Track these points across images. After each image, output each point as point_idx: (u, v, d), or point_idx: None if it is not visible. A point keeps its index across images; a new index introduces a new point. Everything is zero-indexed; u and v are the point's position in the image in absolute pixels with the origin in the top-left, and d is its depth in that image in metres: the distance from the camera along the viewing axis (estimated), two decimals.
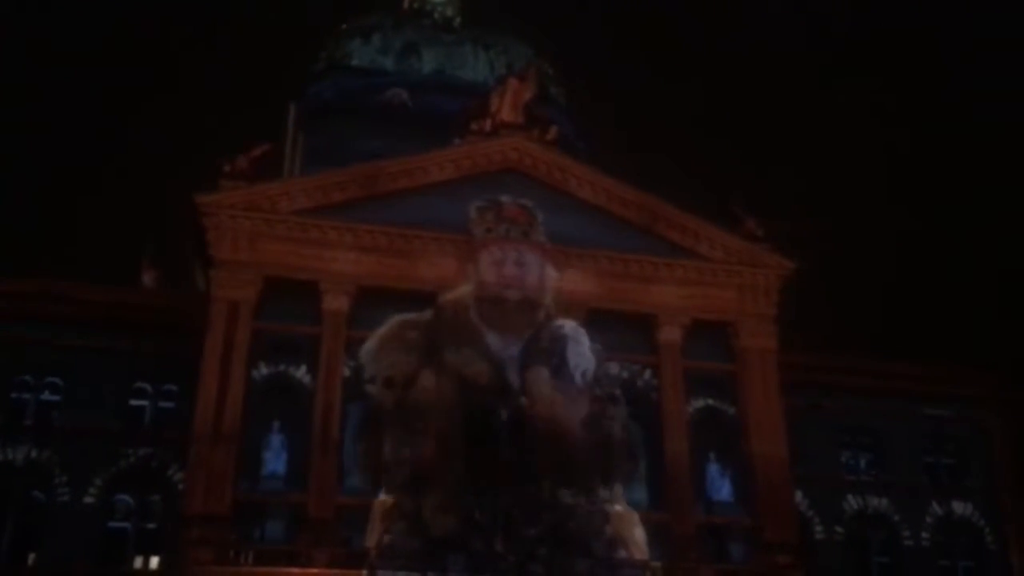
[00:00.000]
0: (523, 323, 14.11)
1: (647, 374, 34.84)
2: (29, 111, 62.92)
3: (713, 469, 34.41)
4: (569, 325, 14.85)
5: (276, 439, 31.25)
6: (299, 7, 68.46)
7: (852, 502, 38.76)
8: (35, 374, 34.18)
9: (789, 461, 34.64)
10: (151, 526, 33.12)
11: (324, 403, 31.59)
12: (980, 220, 63.84)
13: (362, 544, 14.78)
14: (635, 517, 13.74)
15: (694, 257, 36.52)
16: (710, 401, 35.61)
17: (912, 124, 69.57)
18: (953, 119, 67.69)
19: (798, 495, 36.51)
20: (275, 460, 31.01)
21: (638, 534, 13.85)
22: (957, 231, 64.20)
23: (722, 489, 34.22)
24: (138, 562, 32.91)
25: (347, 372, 31.15)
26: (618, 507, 13.82)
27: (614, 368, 14.57)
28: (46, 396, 34.27)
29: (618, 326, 30.96)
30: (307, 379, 32.47)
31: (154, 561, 32.68)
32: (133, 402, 34.59)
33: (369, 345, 14.06)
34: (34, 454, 32.76)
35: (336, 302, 32.81)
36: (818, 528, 37.78)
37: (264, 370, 32.36)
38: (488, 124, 36.65)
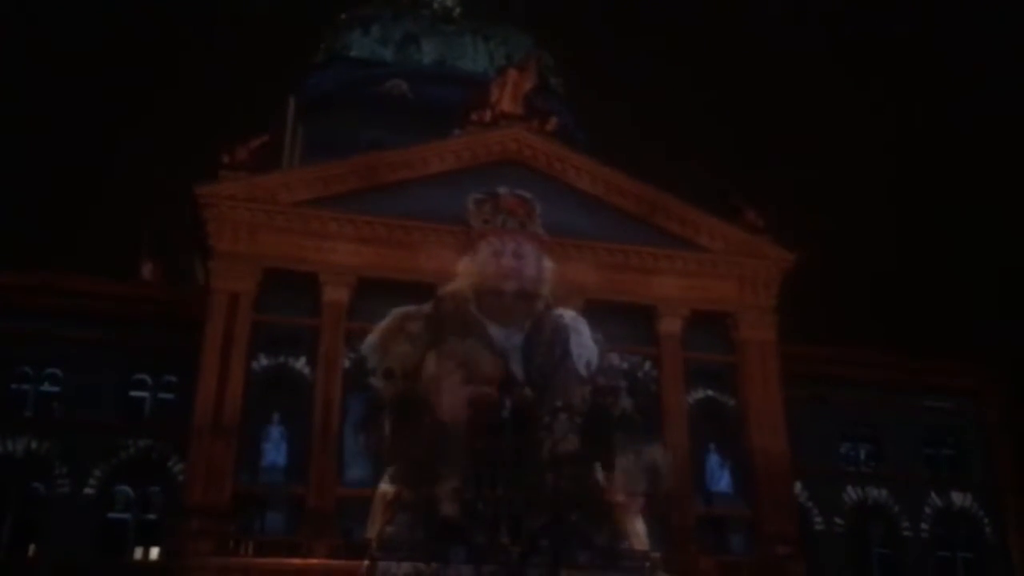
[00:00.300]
0: (522, 314, 14.08)
1: (647, 365, 34.82)
2: (28, 104, 62.78)
3: (713, 460, 34.45)
4: (569, 315, 14.84)
5: (276, 431, 31.26)
6: None
7: (852, 493, 38.81)
8: (35, 366, 34.19)
9: (789, 453, 34.65)
10: (151, 517, 33.20)
11: (324, 395, 31.58)
12: (982, 213, 63.78)
13: (362, 535, 14.76)
14: (636, 508, 13.71)
15: (694, 248, 36.48)
16: (710, 392, 35.63)
17: (913, 115, 69.50)
18: (954, 110, 67.62)
19: (798, 486, 36.56)
20: (275, 452, 31.04)
21: (639, 525, 13.84)
22: (959, 224, 64.18)
23: (722, 480, 34.28)
24: (138, 553, 32.99)
25: (347, 364, 31.13)
26: (619, 498, 13.79)
27: (616, 359, 14.52)
28: (46, 388, 34.30)
29: (618, 317, 30.90)
30: (307, 371, 32.46)
31: (154, 552, 32.77)
32: (133, 394, 34.62)
33: (371, 338, 14.03)
34: (34, 446, 32.78)
35: (336, 293, 32.78)
36: (817, 519, 37.83)
37: (264, 362, 32.35)
38: (488, 115, 36.57)
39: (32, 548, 32.23)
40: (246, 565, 28.67)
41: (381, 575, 12.49)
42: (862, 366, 40.04)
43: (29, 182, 60.78)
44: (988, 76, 67.27)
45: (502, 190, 15.27)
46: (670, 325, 35.30)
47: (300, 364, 32.55)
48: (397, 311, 14.27)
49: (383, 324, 13.96)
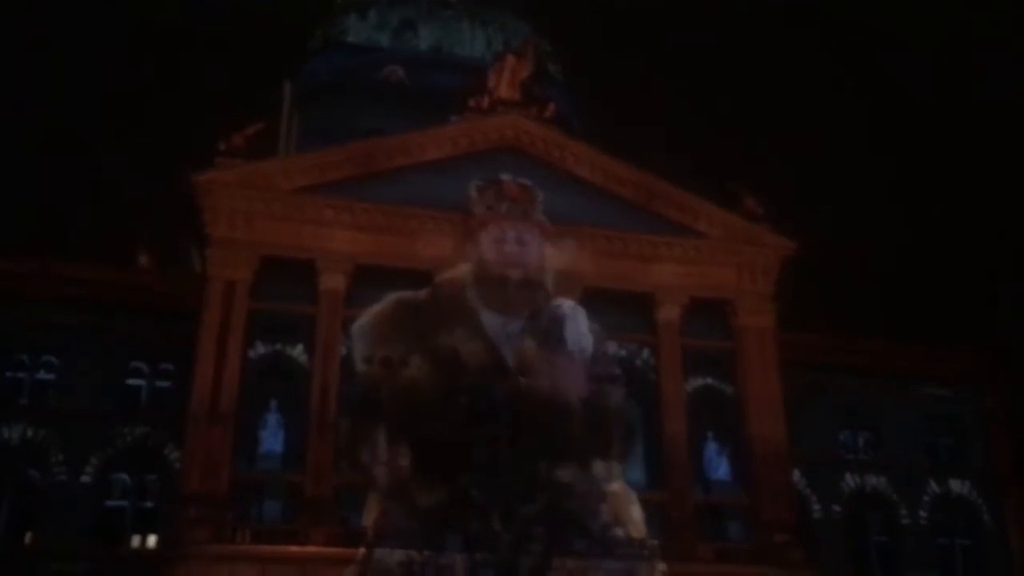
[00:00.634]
0: (524, 302, 13.96)
1: (645, 353, 34.75)
2: (23, 92, 62.55)
3: (711, 448, 34.38)
4: (567, 304, 14.69)
5: (273, 418, 31.19)
6: None
7: (850, 481, 38.81)
8: (31, 354, 34.13)
9: (787, 440, 34.60)
10: (148, 505, 33.19)
11: (321, 382, 31.49)
12: (982, 201, 63.70)
13: (359, 523, 14.68)
14: (633, 496, 13.59)
15: (693, 235, 36.34)
16: (708, 380, 35.53)
17: (914, 103, 69.29)
18: (956, 99, 67.42)
19: (796, 474, 36.54)
20: (272, 439, 30.97)
21: (636, 513, 13.70)
22: (958, 212, 64.08)
23: (720, 468, 34.22)
24: (135, 541, 32.99)
25: (344, 351, 31.03)
26: (615, 486, 13.67)
27: (613, 347, 14.41)
28: (42, 376, 34.25)
29: (616, 305, 30.79)
30: (304, 358, 32.36)
31: (151, 540, 32.76)
32: (129, 382, 34.56)
33: (362, 322, 13.85)
34: (30, 434, 32.72)
35: (333, 281, 32.65)
36: (816, 507, 37.83)
37: (261, 349, 32.25)
38: (485, 101, 36.37)
39: (28, 536, 32.18)
40: (243, 553, 28.61)
41: (376, 563, 12.39)
42: (861, 354, 39.98)
43: (24, 169, 60.60)
44: (989, 68, 67.05)
45: (505, 177, 15.12)
46: (668, 312, 35.19)
47: (297, 352, 32.45)
48: (392, 296, 14.14)
49: (375, 308, 13.80)
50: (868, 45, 71.91)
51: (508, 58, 37.64)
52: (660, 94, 68.98)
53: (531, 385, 12.87)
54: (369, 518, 13.11)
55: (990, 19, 64.72)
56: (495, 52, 44.08)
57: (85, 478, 32.37)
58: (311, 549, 28.65)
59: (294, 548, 28.84)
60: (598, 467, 13.30)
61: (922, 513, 39.07)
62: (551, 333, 13.57)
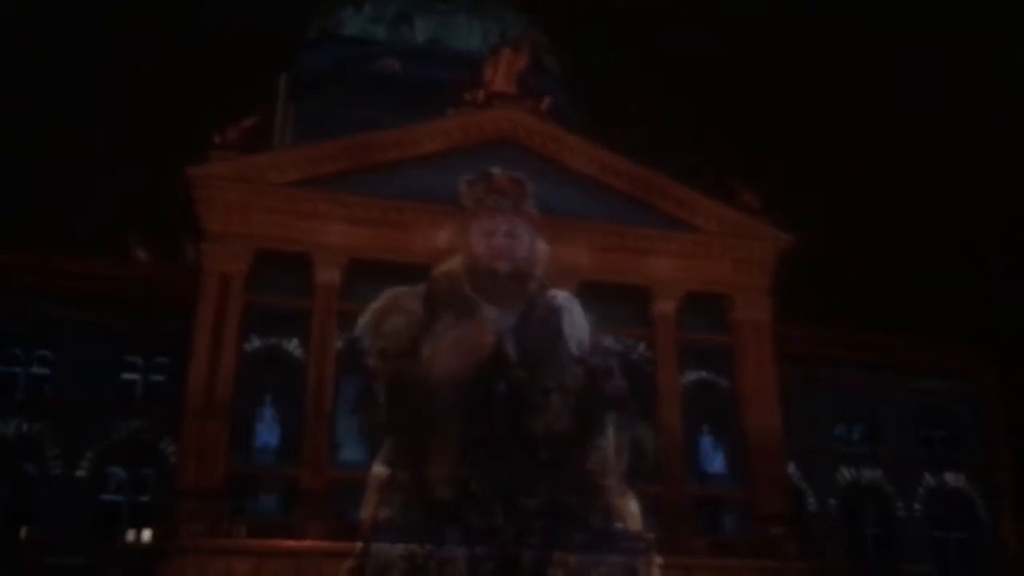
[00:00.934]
0: (515, 294, 13.91)
1: (641, 347, 34.76)
2: (18, 84, 62.29)
3: (707, 441, 34.46)
4: (563, 295, 14.63)
5: (269, 412, 31.17)
6: None
7: (845, 474, 38.93)
8: (26, 347, 34.07)
9: (783, 433, 34.67)
10: (144, 499, 33.13)
11: (317, 376, 31.46)
12: (979, 195, 63.78)
13: (356, 517, 14.67)
14: (630, 489, 13.61)
15: (689, 229, 36.34)
16: (704, 373, 35.59)
17: (912, 98, 69.32)
18: (953, 93, 67.45)
19: (791, 467, 36.61)
20: (268, 433, 30.96)
21: (633, 506, 13.66)
22: (954, 205, 64.14)
23: (716, 461, 34.30)
24: (131, 535, 32.83)
25: (340, 344, 30.99)
26: (613, 480, 13.67)
27: (609, 340, 14.37)
28: (37, 369, 34.18)
29: (612, 298, 30.76)
30: (299, 352, 32.33)
31: (147, 534, 32.61)
32: (125, 375, 34.50)
33: (365, 318, 13.83)
34: (25, 427, 32.68)
35: (328, 274, 32.61)
36: (811, 500, 37.94)
37: (256, 343, 32.22)
38: (481, 95, 36.28)
39: (24, 530, 32.10)
40: (239, 546, 28.58)
41: (374, 557, 12.33)
42: (856, 347, 40.06)
43: (19, 163, 60.37)
44: (987, 63, 67.09)
45: (495, 170, 15.05)
46: (665, 306, 35.21)
47: (292, 345, 32.42)
48: (391, 291, 14.10)
49: (376, 304, 13.78)
50: (865, 39, 71.89)
51: (504, 51, 37.54)
52: (657, 88, 68.94)
53: (531, 377, 12.88)
54: (367, 511, 13.09)
55: (985, 16, 64.76)
56: (491, 45, 43.88)
57: (81, 472, 32.34)
58: (307, 543, 28.65)
59: (290, 542, 28.84)
60: (596, 460, 13.33)
61: (917, 505, 39.21)
62: (548, 325, 13.57)
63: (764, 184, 38.00)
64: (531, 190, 15.20)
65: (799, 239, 36.94)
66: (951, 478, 39.96)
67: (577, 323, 14.08)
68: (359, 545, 13.04)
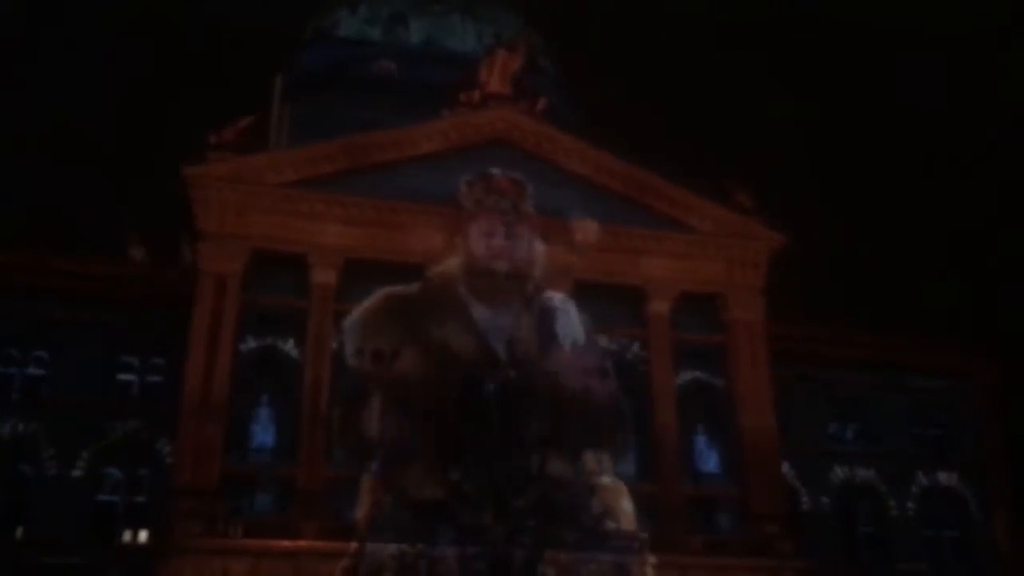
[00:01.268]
0: (512, 295, 14.04)
1: (636, 346, 34.90)
2: (14, 86, 62.32)
3: (701, 441, 34.60)
4: (558, 297, 14.78)
5: (264, 412, 31.27)
6: None
7: (839, 473, 39.08)
8: (22, 347, 34.11)
9: (777, 432, 34.82)
10: (140, 499, 33.17)
11: (312, 376, 31.56)
12: (974, 195, 63.99)
13: (351, 516, 14.76)
14: (623, 489, 13.72)
15: (684, 229, 36.47)
16: (698, 373, 35.73)
17: (905, 97, 69.52)
18: (948, 93, 67.65)
19: (785, 466, 36.75)
20: (264, 433, 31.05)
21: (626, 505, 13.82)
22: (948, 205, 64.35)
23: (710, 460, 34.44)
24: (127, 535, 32.95)
25: (335, 345, 31.06)
26: (606, 479, 13.79)
27: (604, 340, 14.52)
28: (33, 370, 34.22)
29: (607, 298, 30.94)
30: (295, 352, 32.42)
31: (143, 534, 32.72)
32: (120, 376, 34.54)
33: (353, 317, 13.94)
34: (21, 428, 32.74)
35: (324, 275, 32.71)
36: (805, 499, 38.09)
37: (252, 343, 32.30)
38: (477, 95, 36.41)
39: (20, 531, 32.17)
40: (235, 546, 28.64)
41: (368, 557, 12.48)
42: (850, 346, 40.23)
43: (16, 163, 60.38)
44: (985, 65, 67.31)
45: (494, 171, 15.19)
46: (659, 306, 35.35)
47: (288, 345, 32.50)
48: (382, 291, 14.21)
49: (366, 304, 13.89)
50: (861, 39, 72.09)
51: (499, 52, 37.67)
52: (652, 88, 69.11)
53: (522, 378, 12.98)
54: (361, 511, 13.19)
55: (984, 18, 64.99)
56: (486, 46, 44.06)
57: (77, 472, 32.39)
58: (303, 542, 28.73)
59: (286, 542, 28.91)
60: (589, 460, 13.43)
61: (910, 504, 39.36)
62: (543, 326, 13.68)
63: (758, 184, 38.16)
64: (530, 191, 15.34)
65: (793, 238, 37.09)
66: (944, 477, 40.14)
67: (572, 324, 14.24)
68: (354, 545, 13.15)
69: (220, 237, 32.45)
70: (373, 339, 13.25)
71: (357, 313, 13.84)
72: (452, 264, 14.26)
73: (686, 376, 35.50)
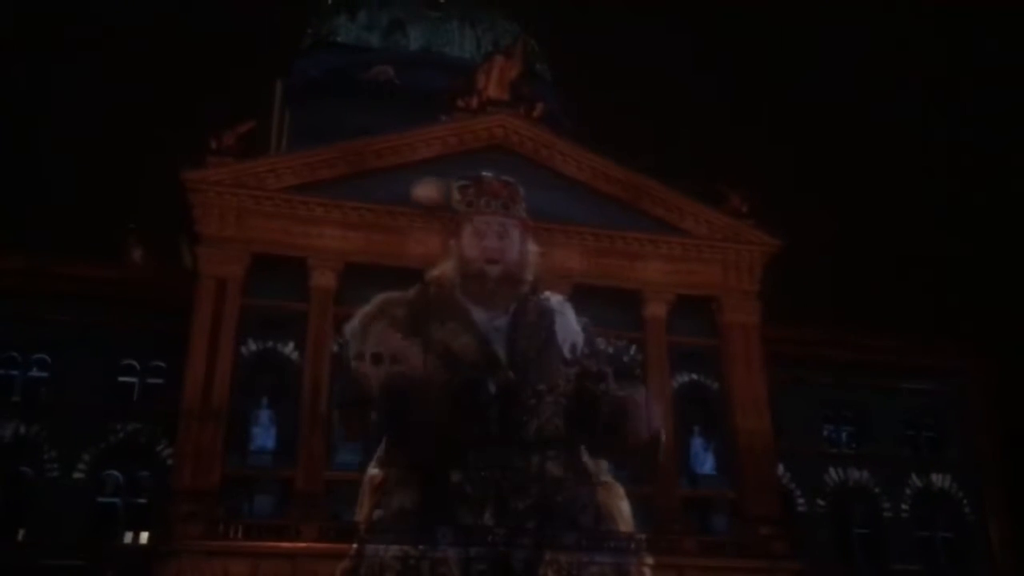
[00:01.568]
0: (506, 297, 14.27)
1: (632, 349, 35.10)
2: (17, 87, 62.49)
3: (697, 443, 34.87)
4: (555, 299, 15.03)
5: (265, 414, 31.48)
6: None
7: (833, 475, 39.37)
8: (23, 351, 34.31)
9: (772, 435, 35.11)
10: (140, 501, 33.37)
11: (312, 379, 31.78)
12: (966, 196, 64.29)
13: (351, 518, 14.98)
14: (621, 490, 14.00)
15: (679, 233, 36.77)
16: (694, 376, 36.03)
17: (899, 100, 69.86)
18: (943, 96, 67.98)
19: (780, 468, 37.04)
20: (264, 435, 31.26)
21: (624, 507, 14.08)
22: (940, 207, 64.65)
23: (706, 463, 34.71)
24: (128, 537, 33.16)
25: (335, 348, 31.30)
26: (604, 480, 14.07)
27: (602, 343, 14.78)
28: (34, 373, 34.42)
29: (603, 302, 31.15)
30: (295, 355, 32.66)
31: (144, 536, 32.92)
32: (121, 379, 34.74)
33: (354, 322, 14.22)
34: (22, 430, 32.93)
35: (323, 278, 32.96)
36: (800, 501, 38.36)
37: (252, 346, 32.54)
38: (475, 101, 36.67)
39: (21, 533, 32.36)
40: (235, 548, 28.86)
41: (368, 558, 12.72)
42: (844, 348, 40.49)
43: (16, 166, 60.57)
44: (982, 65, 67.66)
45: (486, 174, 15.44)
46: (655, 309, 35.63)
47: (288, 349, 32.75)
48: (381, 296, 14.47)
49: (366, 309, 14.16)
50: (858, 42, 72.44)
51: (497, 58, 37.93)
52: (647, 93, 69.38)
53: (522, 379, 13.24)
54: (361, 513, 13.44)
55: (981, 19, 65.31)
56: (484, 52, 44.38)
57: (78, 474, 32.60)
58: (302, 544, 28.96)
59: (285, 543, 29.14)
60: (587, 461, 13.70)
61: (904, 506, 39.65)
62: (540, 328, 13.94)
63: (752, 188, 38.43)
64: (522, 193, 15.59)
65: (787, 242, 37.37)
66: (937, 479, 40.43)
67: (569, 326, 14.52)
68: (354, 546, 13.39)
69: (220, 241, 32.69)
70: (374, 343, 13.51)
71: (357, 318, 14.12)
72: (448, 268, 14.52)
73: (682, 379, 35.80)
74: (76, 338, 33.81)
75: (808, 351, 39.52)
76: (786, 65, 71.23)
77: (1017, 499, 40.20)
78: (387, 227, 33.90)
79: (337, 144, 35.20)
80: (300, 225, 33.43)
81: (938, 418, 41.83)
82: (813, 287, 51.23)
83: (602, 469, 14.13)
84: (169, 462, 32.05)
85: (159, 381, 34.57)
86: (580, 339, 14.38)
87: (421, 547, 12.64)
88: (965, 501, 40.34)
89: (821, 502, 38.75)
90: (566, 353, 14.09)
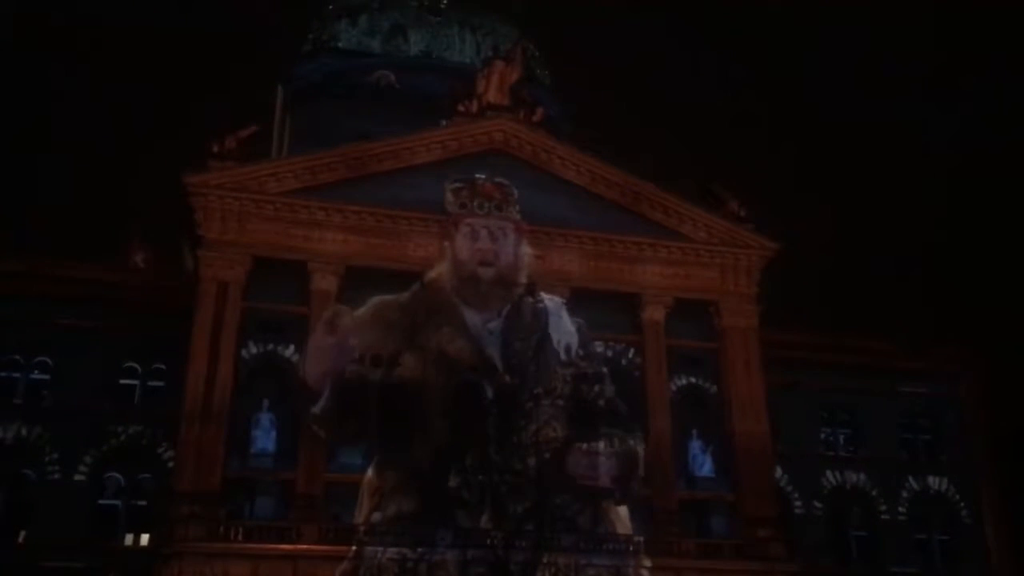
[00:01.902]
0: (500, 299, 14.39)
1: (631, 353, 35.33)
2: (18, 91, 62.64)
3: (695, 446, 35.03)
4: (550, 301, 15.14)
5: (265, 417, 31.62)
6: None
7: (830, 477, 39.54)
8: (25, 353, 34.45)
9: (769, 438, 35.27)
10: (141, 503, 33.49)
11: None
12: (961, 201, 64.46)
13: (351, 520, 15.11)
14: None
15: (678, 237, 36.95)
16: (692, 379, 36.20)
17: (895, 106, 70.01)
18: (938, 102, 68.13)
19: (778, 471, 37.21)
20: (264, 438, 31.40)
21: (621, 510, 14.22)
22: (936, 212, 64.83)
23: (704, 465, 34.87)
24: (129, 539, 33.27)
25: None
26: (602, 483, 14.17)
27: (599, 346, 14.92)
28: (36, 375, 34.57)
29: (602, 305, 31.39)
30: (296, 358, 32.72)
31: (144, 538, 33.04)
32: (123, 381, 34.88)
33: (348, 325, 14.31)
34: (24, 432, 33.06)
35: (324, 282, 33.12)
36: (797, 503, 38.52)
37: (253, 349, 32.70)
38: (474, 105, 36.85)
39: (23, 534, 32.49)
40: (236, 550, 28.99)
41: (368, 560, 12.87)
42: (841, 352, 40.67)
43: (18, 169, 60.73)
44: (982, 65, 67.80)
45: (479, 176, 15.57)
46: (654, 313, 35.81)
47: (289, 351, 32.84)
48: (376, 299, 14.61)
49: (361, 312, 14.31)
50: (856, 45, 72.63)
51: (497, 63, 38.07)
52: (646, 98, 69.58)
53: (518, 382, 13.39)
54: (361, 515, 13.60)
55: (981, 23, 65.50)
56: (484, 57, 44.46)
57: (79, 476, 32.73)
58: (303, 546, 29.10)
59: (286, 545, 29.27)
60: (586, 464, 13.83)
61: (900, 509, 39.82)
62: (535, 329, 14.07)
63: (750, 192, 38.65)
64: (516, 195, 15.74)
65: (784, 246, 37.56)
66: (934, 482, 40.58)
67: (564, 328, 14.67)
68: (353, 548, 13.54)
69: (222, 244, 32.87)
70: (370, 346, 13.65)
71: (352, 321, 14.24)
72: (442, 270, 14.67)
73: (680, 382, 35.98)
74: (78, 341, 33.97)
75: (805, 354, 39.69)
76: (786, 66, 71.42)
77: (1013, 501, 40.38)
78: (388, 230, 34.09)
79: (338, 148, 35.40)
80: (301, 228, 33.62)
81: (934, 421, 42.01)
82: (810, 292, 51.42)
83: (600, 472, 14.21)
84: (170, 464, 32.20)
85: (160, 384, 34.72)
86: (575, 340, 14.50)
87: (420, 549, 12.79)
88: (961, 503, 40.51)
89: (818, 504, 38.92)
90: (562, 355, 14.21)
